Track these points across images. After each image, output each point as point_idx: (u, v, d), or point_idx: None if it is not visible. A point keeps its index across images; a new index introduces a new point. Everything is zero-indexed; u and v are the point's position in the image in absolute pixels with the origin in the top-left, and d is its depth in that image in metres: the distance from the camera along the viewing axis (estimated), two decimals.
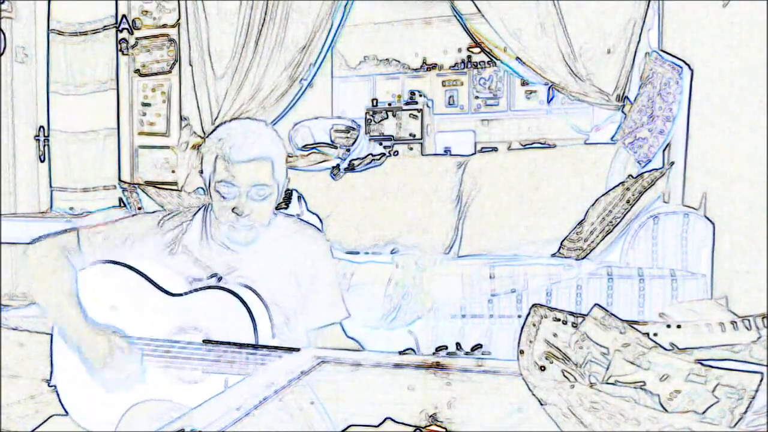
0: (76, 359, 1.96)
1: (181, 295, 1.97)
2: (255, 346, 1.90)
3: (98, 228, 2.07)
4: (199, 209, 2.14)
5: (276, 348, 1.90)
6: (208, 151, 2.04)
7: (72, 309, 1.96)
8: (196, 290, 1.98)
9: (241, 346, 1.90)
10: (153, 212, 2.25)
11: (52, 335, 2.01)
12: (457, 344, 1.90)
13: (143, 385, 1.94)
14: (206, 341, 1.92)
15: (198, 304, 1.96)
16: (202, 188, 2.95)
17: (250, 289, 1.99)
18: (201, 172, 2.08)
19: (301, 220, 2.22)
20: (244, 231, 2.01)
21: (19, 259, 2.05)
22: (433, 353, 1.88)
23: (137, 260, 2.03)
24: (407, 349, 1.86)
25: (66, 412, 1.99)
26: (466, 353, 1.87)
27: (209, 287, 1.98)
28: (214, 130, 2.10)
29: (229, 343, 1.91)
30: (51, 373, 2.01)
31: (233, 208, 1.98)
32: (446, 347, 1.89)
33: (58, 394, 2.00)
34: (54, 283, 1.98)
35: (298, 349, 1.90)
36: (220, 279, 2.01)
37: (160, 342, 1.95)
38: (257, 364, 1.89)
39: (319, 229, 2.19)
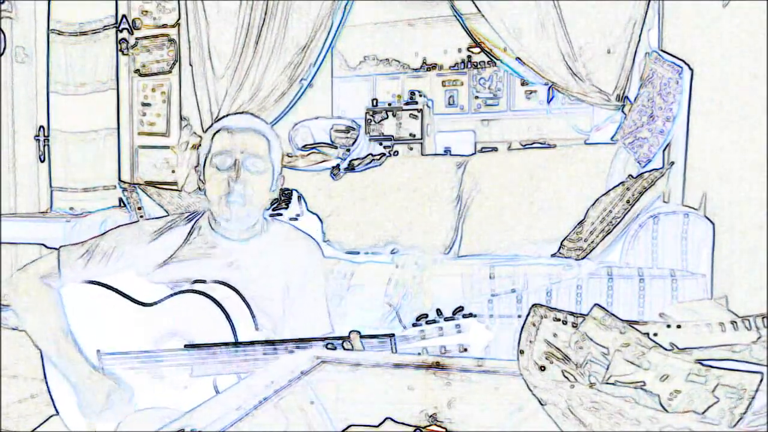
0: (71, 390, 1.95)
1: (154, 304, 1.97)
2: (235, 344, 1.90)
3: (78, 247, 2.07)
4: (188, 215, 2.14)
5: (254, 343, 1.90)
6: (206, 134, 2.09)
7: (70, 349, 1.95)
8: (168, 297, 1.97)
9: (221, 345, 1.90)
10: (133, 223, 2.25)
11: None
12: (438, 311, 1.90)
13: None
14: (188, 345, 1.92)
15: (172, 310, 1.95)
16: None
17: (228, 285, 1.98)
18: (196, 167, 2.10)
19: (298, 229, 2.22)
20: (238, 207, 2.00)
21: (6, 287, 2.05)
22: (414, 324, 1.88)
23: (119, 273, 2.02)
24: (352, 332, 1.89)
25: (57, 412, 1.99)
26: (447, 318, 1.87)
27: (180, 291, 1.98)
28: (213, 124, 2.14)
29: (210, 345, 1.91)
30: (45, 374, 2.01)
31: (228, 177, 1.99)
32: (426, 315, 1.89)
33: (50, 395, 1.99)
34: (44, 321, 1.97)
35: (272, 342, 1.90)
36: (205, 283, 2.01)
37: (142, 353, 1.94)
38: (241, 361, 1.89)
39: (314, 239, 2.18)
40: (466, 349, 1.86)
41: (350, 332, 1.89)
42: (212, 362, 1.90)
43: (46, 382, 2.00)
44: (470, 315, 1.88)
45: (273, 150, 2.06)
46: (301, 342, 1.90)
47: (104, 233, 2.12)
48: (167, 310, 1.96)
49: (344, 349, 1.86)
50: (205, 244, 2.06)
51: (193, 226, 2.10)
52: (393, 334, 1.88)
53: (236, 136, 2.03)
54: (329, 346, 1.86)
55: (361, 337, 1.88)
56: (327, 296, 2.13)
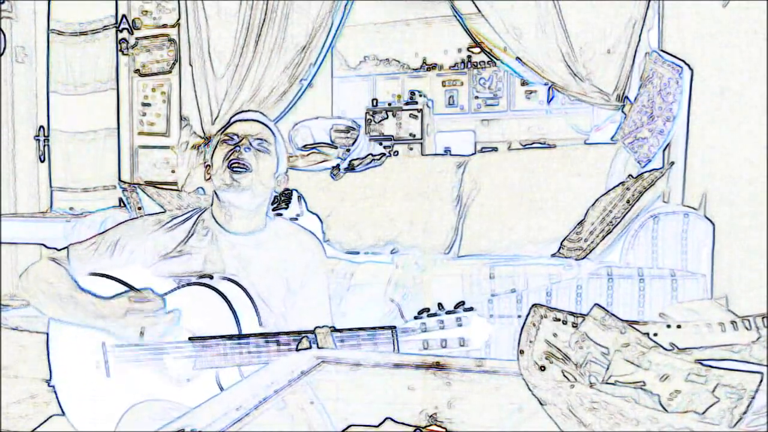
0: (83, 373, 1.96)
1: (160, 296, 1.97)
2: (240, 337, 1.91)
3: (86, 241, 2.10)
4: (192, 211, 2.15)
5: (258, 335, 1.91)
6: (222, 128, 2.19)
7: (88, 298, 1.97)
8: (173, 290, 1.98)
9: (225, 338, 1.91)
10: (139, 217, 2.27)
11: (48, 334, 2.01)
12: (439, 304, 1.91)
13: (140, 387, 1.94)
14: (192, 338, 1.92)
15: (178, 303, 1.96)
16: (202, 188, 2.95)
17: (233, 281, 1.99)
18: (204, 162, 2.14)
19: (301, 226, 2.23)
20: (241, 179, 2.01)
21: (19, 288, 2.08)
22: (415, 317, 1.89)
23: (124, 266, 2.03)
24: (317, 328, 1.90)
25: (63, 412, 1.99)
26: (448, 312, 1.88)
27: (186, 284, 1.99)
28: (220, 130, 2.18)
29: (214, 337, 1.91)
30: (50, 373, 2.01)
31: (234, 147, 2.03)
32: (428, 309, 1.90)
33: (56, 395, 2.00)
34: (56, 288, 1.99)
35: (276, 334, 1.91)
36: (211, 278, 2.01)
37: (148, 345, 1.95)
38: (244, 354, 1.90)
39: (316, 236, 2.20)
40: (466, 343, 1.86)
41: (315, 327, 1.90)
42: (215, 355, 1.91)
43: (50, 383, 2.01)
44: (471, 309, 1.89)
45: (279, 145, 2.14)
46: (285, 335, 1.90)
47: (110, 228, 2.15)
48: (173, 303, 1.96)
49: (318, 347, 1.87)
50: (209, 238, 2.06)
51: (196, 220, 2.11)
52: (395, 327, 1.89)
53: (246, 123, 2.13)
54: (303, 340, 1.87)
55: (364, 329, 1.89)
56: (329, 292, 2.15)
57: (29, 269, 2.06)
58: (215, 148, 2.10)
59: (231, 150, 2.05)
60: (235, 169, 2.02)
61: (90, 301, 1.96)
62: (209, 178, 2.10)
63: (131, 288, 1.99)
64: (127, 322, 1.92)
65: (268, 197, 2.10)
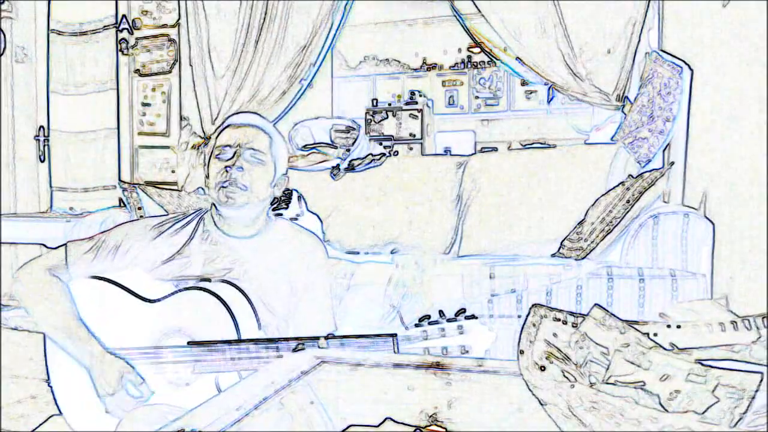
0: (81, 373, 1.95)
1: (158, 300, 1.97)
2: (239, 342, 1.91)
3: (85, 242, 2.08)
4: (193, 213, 2.15)
5: (257, 340, 1.90)
6: (217, 129, 2.14)
7: (82, 331, 1.95)
8: (173, 293, 1.98)
9: (225, 342, 1.91)
10: (139, 219, 2.25)
11: (45, 335, 2.01)
12: (440, 312, 1.91)
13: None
14: (191, 342, 1.92)
15: (177, 307, 1.96)
16: (202, 188, 2.95)
17: (232, 285, 1.98)
18: (203, 163, 2.12)
19: (302, 227, 2.22)
20: (236, 192, 2.00)
21: (11, 285, 2.06)
22: (416, 325, 1.88)
23: (125, 269, 2.03)
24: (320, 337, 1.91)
25: (60, 412, 1.99)
26: (449, 320, 1.87)
27: (186, 288, 1.98)
28: (215, 133, 2.16)
29: (214, 342, 1.91)
30: (48, 373, 2.01)
31: (226, 166, 2.01)
32: (429, 316, 1.90)
33: (53, 395, 2.00)
34: (54, 309, 1.98)
35: (277, 340, 1.91)
36: (209, 281, 2.01)
37: (146, 349, 1.95)
38: (243, 359, 1.89)
39: (318, 237, 2.19)
40: (467, 351, 1.86)
41: (318, 338, 1.90)
42: (214, 360, 1.91)
43: (49, 383, 2.00)
44: (472, 317, 1.88)
45: (275, 147, 2.08)
46: (285, 341, 1.91)
47: (111, 229, 2.13)
48: (172, 307, 1.96)
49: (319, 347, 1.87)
50: (209, 241, 2.06)
51: (197, 224, 2.10)
52: (395, 334, 1.89)
53: (239, 130, 2.07)
54: (299, 346, 1.87)
55: (365, 336, 1.89)
56: (331, 294, 2.14)
57: (22, 276, 2.03)
58: (209, 158, 2.08)
59: (222, 170, 2.02)
60: (228, 195, 2.01)
61: (85, 339, 1.95)
62: (206, 183, 2.10)
63: (130, 293, 1.98)
64: (108, 389, 1.92)
65: (267, 202, 2.10)
